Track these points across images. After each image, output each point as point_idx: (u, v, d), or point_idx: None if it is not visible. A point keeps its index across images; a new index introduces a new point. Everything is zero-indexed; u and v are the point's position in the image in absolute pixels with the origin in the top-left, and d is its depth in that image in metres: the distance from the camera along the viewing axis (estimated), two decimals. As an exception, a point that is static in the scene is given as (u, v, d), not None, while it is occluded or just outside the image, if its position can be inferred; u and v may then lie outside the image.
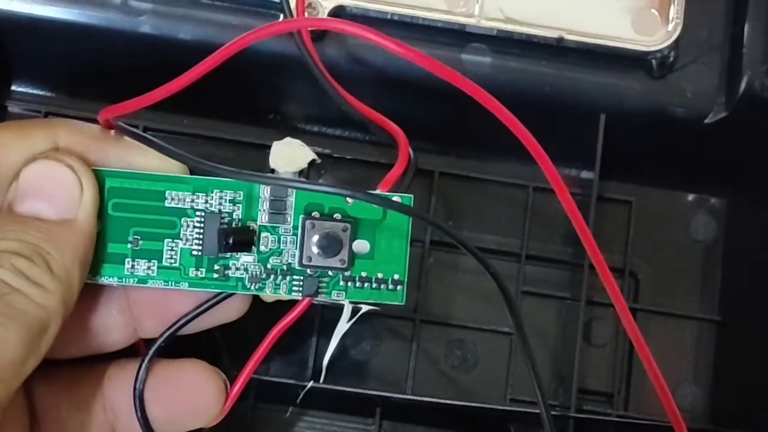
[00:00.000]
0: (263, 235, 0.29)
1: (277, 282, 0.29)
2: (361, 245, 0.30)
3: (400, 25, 0.35)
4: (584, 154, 0.37)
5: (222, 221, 0.29)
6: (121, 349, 0.31)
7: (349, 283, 0.30)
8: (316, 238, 0.29)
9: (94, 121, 0.29)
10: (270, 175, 0.34)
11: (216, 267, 0.29)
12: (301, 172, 0.36)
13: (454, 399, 0.35)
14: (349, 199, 0.30)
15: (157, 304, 0.30)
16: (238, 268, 0.29)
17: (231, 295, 0.30)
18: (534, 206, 0.38)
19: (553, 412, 0.33)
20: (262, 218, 0.29)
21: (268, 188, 0.29)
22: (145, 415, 0.30)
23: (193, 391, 0.30)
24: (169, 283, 0.29)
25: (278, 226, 0.29)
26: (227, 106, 0.37)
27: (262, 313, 0.31)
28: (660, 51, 0.35)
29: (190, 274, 0.29)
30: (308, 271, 0.30)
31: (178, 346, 0.31)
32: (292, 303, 0.31)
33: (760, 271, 0.37)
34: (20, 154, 0.28)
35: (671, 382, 0.37)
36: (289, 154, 0.35)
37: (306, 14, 0.34)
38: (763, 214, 0.37)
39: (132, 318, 0.30)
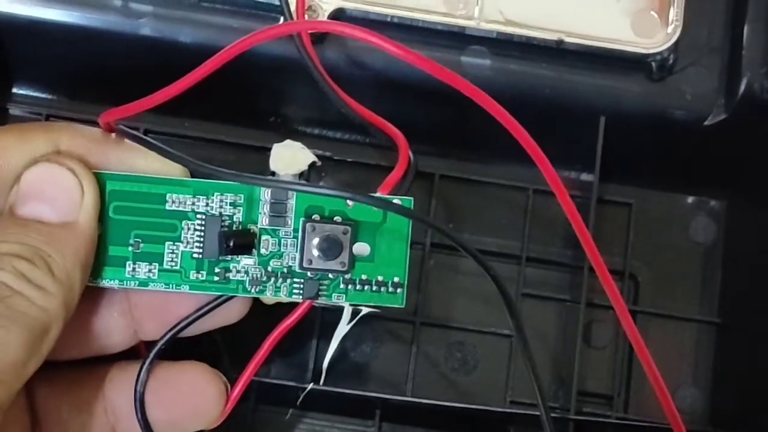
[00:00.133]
0: (264, 237, 0.29)
1: (278, 285, 0.29)
2: (361, 248, 0.30)
3: (400, 28, 0.35)
4: (584, 157, 0.37)
5: (222, 224, 0.29)
6: (122, 351, 0.31)
7: (350, 286, 0.30)
8: (316, 240, 0.29)
9: (95, 123, 0.30)
10: (270, 177, 0.34)
11: (216, 270, 0.29)
12: (301, 175, 0.36)
13: (454, 401, 0.35)
14: (349, 202, 0.30)
15: (158, 307, 0.30)
16: (239, 271, 0.29)
17: (231, 297, 0.30)
18: (534, 209, 0.38)
19: (552, 414, 0.33)
20: (263, 221, 0.29)
21: (269, 191, 0.29)
22: (146, 417, 0.30)
23: (194, 394, 0.30)
24: (170, 286, 0.29)
25: (279, 229, 0.29)
26: (228, 109, 0.37)
27: (263, 315, 0.31)
28: (659, 53, 0.35)
29: (191, 277, 0.29)
30: (308, 273, 0.30)
31: (178, 348, 0.31)
32: (293, 305, 0.31)
33: (760, 273, 0.37)
34: (21, 157, 0.28)
35: (671, 385, 0.37)
36: (290, 157, 0.35)
37: (306, 17, 0.35)
38: (762, 217, 0.37)
39: (133, 320, 0.30)
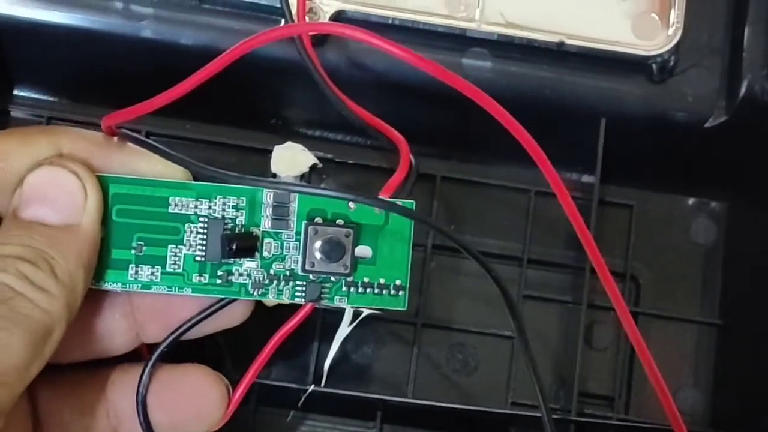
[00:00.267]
0: (266, 240, 0.29)
1: (280, 288, 0.29)
2: (363, 251, 0.30)
3: (401, 30, 0.35)
4: (585, 158, 0.37)
5: (225, 227, 0.29)
6: (124, 354, 0.31)
7: (352, 289, 0.30)
8: (318, 243, 0.29)
9: (97, 126, 0.30)
10: (273, 179, 0.34)
11: (219, 273, 0.29)
12: (302, 177, 0.36)
13: (455, 402, 0.35)
14: (351, 205, 0.30)
15: (161, 310, 0.30)
16: (241, 274, 0.29)
17: (234, 300, 0.30)
18: (536, 210, 0.38)
19: (554, 416, 0.33)
20: (265, 224, 0.29)
21: (271, 194, 0.29)
22: (148, 420, 0.30)
23: (196, 396, 0.30)
24: (173, 288, 0.29)
25: (281, 232, 0.29)
26: (229, 111, 0.37)
27: (265, 317, 0.31)
28: (660, 55, 0.35)
29: (194, 280, 0.29)
30: (311, 276, 0.30)
31: (181, 350, 0.31)
32: (295, 307, 0.31)
33: (761, 274, 0.37)
34: (24, 161, 0.28)
35: (672, 386, 0.37)
36: (291, 159, 0.36)
37: (307, 19, 0.35)
38: (763, 218, 0.37)
39: (135, 323, 0.30)
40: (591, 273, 0.35)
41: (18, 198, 0.27)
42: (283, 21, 0.35)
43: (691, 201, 0.39)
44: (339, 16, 0.35)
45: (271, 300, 0.30)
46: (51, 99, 0.38)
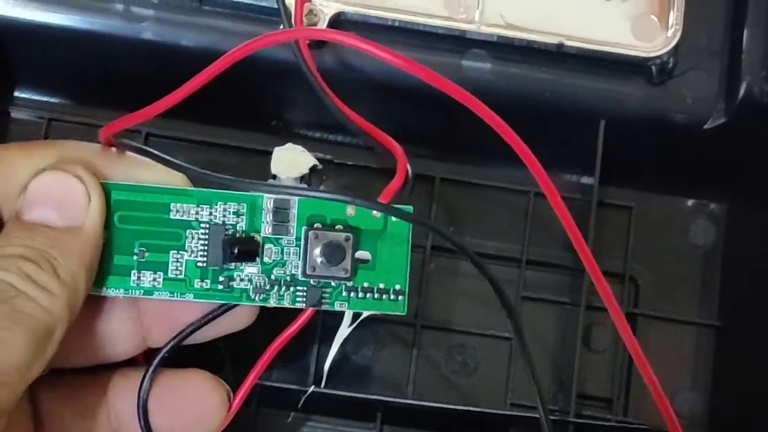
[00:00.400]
0: (266, 246, 0.29)
1: (281, 293, 0.30)
2: (362, 255, 0.30)
3: (401, 32, 0.35)
4: (584, 160, 0.37)
5: (226, 233, 0.29)
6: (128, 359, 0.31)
7: (352, 293, 0.30)
8: (319, 248, 0.29)
9: (97, 128, 0.30)
10: (271, 182, 0.34)
11: (221, 278, 0.29)
12: (302, 178, 0.36)
13: (454, 404, 0.35)
14: (350, 210, 0.30)
15: (167, 314, 0.30)
16: (242, 279, 0.29)
17: (234, 306, 0.30)
18: (534, 212, 0.38)
19: (552, 417, 0.33)
20: (266, 230, 0.29)
21: (272, 200, 0.29)
22: (149, 425, 0.30)
23: (197, 402, 0.30)
24: (175, 294, 0.29)
25: (281, 237, 0.29)
26: (230, 113, 0.37)
27: (266, 321, 0.31)
28: (659, 57, 0.35)
29: (195, 286, 0.29)
30: (311, 281, 0.30)
31: (183, 355, 0.31)
32: (295, 311, 0.31)
33: (760, 276, 0.37)
34: (27, 170, 0.28)
35: (671, 388, 0.37)
36: (291, 160, 0.36)
37: (306, 21, 0.35)
38: (762, 220, 0.37)
39: (142, 327, 0.30)
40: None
41: (21, 201, 0.27)
42: (281, 25, 0.35)
43: (690, 202, 0.39)
44: (338, 18, 0.35)
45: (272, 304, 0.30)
46: (52, 100, 0.38)
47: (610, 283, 0.37)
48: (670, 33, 0.35)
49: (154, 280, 0.29)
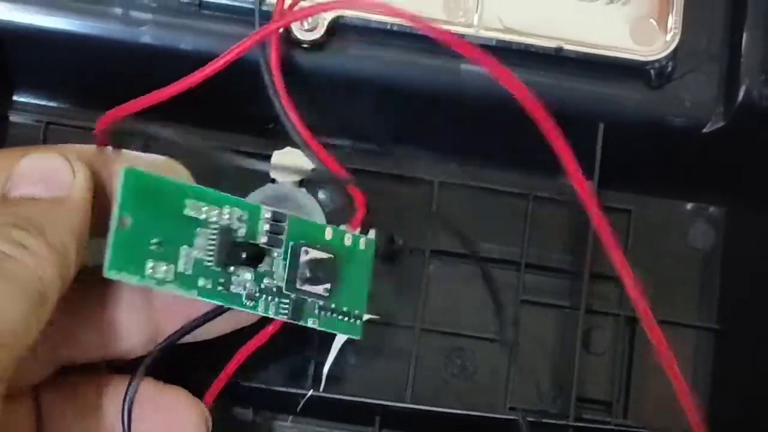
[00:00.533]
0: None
1: (268, 302, 0.30)
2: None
3: (400, 35, 0.35)
4: (583, 164, 0.36)
5: (235, 236, 0.29)
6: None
7: (323, 312, 0.31)
8: (307, 265, 0.30)
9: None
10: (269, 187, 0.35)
11: (221, 280, 0.29)
12: (301, 182, 0.36)
13: (453, 407, 0.35)
14: (328, 233, 0.31)
15: (178, 309, 0.30)
16: (238, 285, 0.29)
17: (227, 310, 0.30)
18: (534, 215, 0.38)
19: (552, 421, 0.33)
20: (262, 240, 0.30)
21: (269, 212, 0.30)
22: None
23: (178, 421, 0.30)
24: (183, 289, 0.29)
25: (273, 249, 0.30)
26: (228, 117, 0.37)
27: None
28: (658, 61, 0.35)
29: (200, 284, 0.29)
30: (293, 295, 0.30)
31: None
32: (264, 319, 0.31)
33: (759, 279, 0.37)
34: None
35: (670, 390, 0.37)
36: (289, 164, 0.36)
37: (306, 25, 0.35)
38: (761, 223, 0.37)
39: (153, 322, 0.30)
40: (589, 278, 0.35)
41: (8, 183, 0.27)
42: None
43: (689, 206, 0.39)
44: (337, 22, 0.35)
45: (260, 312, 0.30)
46: (50, 104, 0.38)
47: (609, 287, 0.38)
48: (668, 37, 0.35)
49: (167, 272, 0.29)
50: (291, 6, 0.33)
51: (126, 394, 0.29)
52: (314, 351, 0.36)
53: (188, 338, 0.30)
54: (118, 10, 0.35)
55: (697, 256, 0.39)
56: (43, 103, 0.38)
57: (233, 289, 0.29)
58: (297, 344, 0.35)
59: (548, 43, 0.35)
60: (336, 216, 0.35)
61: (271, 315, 0.30)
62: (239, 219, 0.30)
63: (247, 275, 0.30)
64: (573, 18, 0.35)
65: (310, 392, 0.34)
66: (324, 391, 0.35)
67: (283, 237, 0.30)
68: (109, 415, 0.30)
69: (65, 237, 0.27)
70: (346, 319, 0.32)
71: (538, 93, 0.36)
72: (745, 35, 0.36)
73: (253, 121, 0.37)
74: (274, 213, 0.30)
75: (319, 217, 0.34)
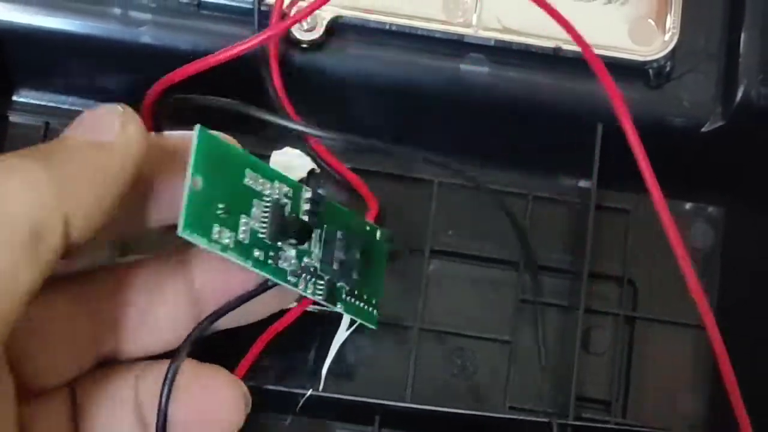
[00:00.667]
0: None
1: (307, 281, 0.30)
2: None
3: (399, 36, 0.36)
4: (582, 164, 0.37)
5: (286, 210, 0.29)
6: None
7: (348, 297, 0.31)
8: (342, 249, 0.30)
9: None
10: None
11: (271, 253, 0.29)
12: (300, 182, 0.36)
13: (453, 407, 0.35)
14: (358, 219, 0.31)
15: (222, 292, 0.29)
16: (285, 260, 0.29)
17: (271, 287, 0.29)
18: (533, 215, 0.38)
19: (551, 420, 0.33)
20: (303, 218, 0.30)
21: (309, 192, 0.30)
22: (165, 417, 0.29)
23: (217, 401, 0.29)
24: (241, 258, 0.28)
25: (314, 230, 0.30)
26: (226, 116, 0.37)
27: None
28: (657, 60, 0.35)
29: (255, 254, 0.29)
30: (327, 277, 0.30)
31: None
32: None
33: (759, 279, 0.37)
34: None
35: (670, 390, 0.37)
36: (288, 164, 0.36)
37: (305, 25, 0.35)
38: (761, 222, 0.37)
39: (195, 309, 0.29)
40: (588, 277, 0.35)
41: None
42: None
43: (688, 206, 0.39)
44: (336, 22, 0.35)
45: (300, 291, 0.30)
46: (50, 104, 0.38)
47: (608, 286, 0.38)
48: (667, 37, 0.35)
49: (229, 239, 0.28)
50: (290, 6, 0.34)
51: (166, 377, 0.28)
52: (314, 350, 0.36)
53: (229, 322, 0.30)
54: (118, 11, 0.35)
55: (697, 256, 0.39)
56: (43, 103, 0.38)
57: (280, 264, 0.29)
58: (297, 343, 0.35)
59: (547, 43, 0.35)
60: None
61: (308, 295, 0.30)
62: (286, 195, 0.29)
63: (292, 252, 0.29)
64: (571, 18, 0.35)
65: (310, 391, 0.34)
66: (324, 390, 0.35)
67: (321, 219, 0.30)
68: (145, 405, 0.29)
69: (82, 181, 0.24)
70: (366, 307, 0.31)
71: (536, 93, 0.36)
72: (743, 35, 0.36)
73: (252, 121, 0.38)
74: (314, 193, 0.30)
75: None
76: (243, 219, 0.28)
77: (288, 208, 0.29)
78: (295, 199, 0.30)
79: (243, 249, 0.28)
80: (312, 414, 0.36)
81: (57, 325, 0.27)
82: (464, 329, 0.37)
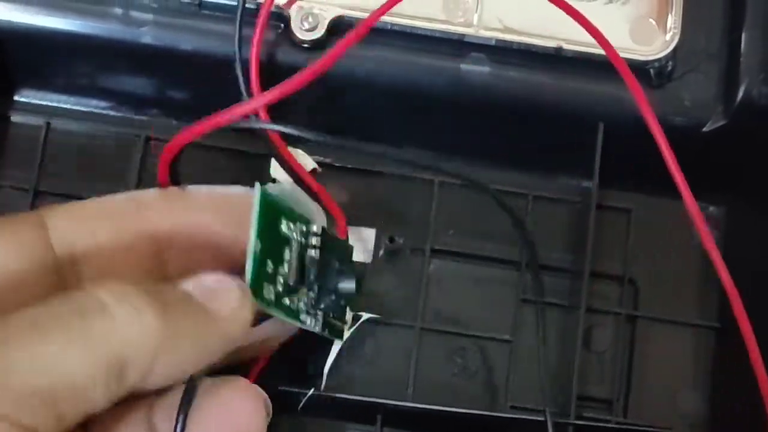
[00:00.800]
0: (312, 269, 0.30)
1: (311, 316, 0.30)
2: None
3: (400, 35, 0.36)
4: (583, 163, 0.37)
5: (308, 251, 0.29)
6: None
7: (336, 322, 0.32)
8: (343, 281, 0.30)
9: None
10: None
11: (294, 297, 0.29)
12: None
13: (454, 406, 0.35)
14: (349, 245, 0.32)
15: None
16: (300, 300, 0.29)
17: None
18: (534, 215, 0.38)
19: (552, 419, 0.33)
20: (310, 253, 0.29)
21: (315, 226, 0.29)
22: None
23: (237, 413, 0.28)
24: (282, 313, 0.28)
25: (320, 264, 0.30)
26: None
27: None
28: (658, 60, 0.35)
29: (285, 303, 0.28)
30: (323, 307, 0.30)
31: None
32: None
33: (759, 278, 0.37)
34: None
35: (671, 389, 0.37)
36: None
37: (306, 25, 0.35)
38: (762, 222, 0.37)
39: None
40: (589, 276, 0.35)
41: (192, 279, 0.26)
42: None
43: (689, 205, 0.39)
44: (338, 22, 0.35)
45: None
46: (51, 104, 0.38)
47: (609, 286, 0.38)
48: (668, 36, 0.35)
49: (272, 294, 0.28)
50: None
51: (181, 403, 0.26)
52: (315, 349, 0.36)
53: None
54: (119, 11, 0.35)
55: (698, 256, 0.39)
56: (43, 103, 0.38)
57: (294, 305, 0.29)
58: (298, 343, 0.35)
59: (548, 42, 0.35)
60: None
61: (317, 330, 0.30)
62: (303, 234, 0.29)
63: (304, 290, 0.29)
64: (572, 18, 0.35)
65: (311, 391, 0.34)
66: (325, 390, 0.35)
67: (324, 251, 0.30)
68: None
69: (185, 344, 0.25)
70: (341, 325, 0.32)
71: (537, 93, 0.36)
72: (744, 35, 0.36)
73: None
74: (319, 227, 0.29)
75: (319, 216, 0.34)
76: (281, 270, 0.28)
77: (307, 250, 0.29)
78: (306, 236, 0.29)
79: (279, 302, 0.28)
80: (314, 414, 0.36)
81: None
82: (465, 329, 0.37)
